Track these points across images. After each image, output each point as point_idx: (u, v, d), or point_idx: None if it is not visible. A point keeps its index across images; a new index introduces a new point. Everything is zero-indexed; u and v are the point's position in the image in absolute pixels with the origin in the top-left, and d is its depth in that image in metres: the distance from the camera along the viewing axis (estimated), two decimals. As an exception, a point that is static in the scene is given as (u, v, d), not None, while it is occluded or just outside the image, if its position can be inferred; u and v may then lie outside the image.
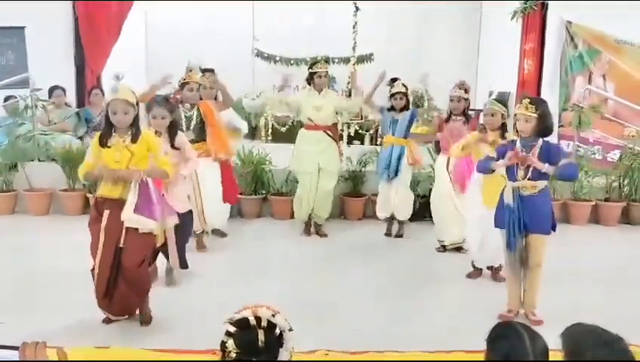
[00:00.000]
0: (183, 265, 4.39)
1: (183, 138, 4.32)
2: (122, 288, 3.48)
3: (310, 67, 5.78)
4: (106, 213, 3.43)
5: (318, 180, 5.72)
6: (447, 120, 5.24)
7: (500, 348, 1.84)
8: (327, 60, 5.85)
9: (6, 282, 4.37)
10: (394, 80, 5.77)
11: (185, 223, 4.31)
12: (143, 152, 3.46)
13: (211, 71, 5.61)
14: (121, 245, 3.42)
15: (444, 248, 5.48)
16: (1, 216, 6.45)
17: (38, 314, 3.75)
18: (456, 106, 5.17)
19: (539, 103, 3.71)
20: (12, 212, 6.59)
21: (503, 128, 4.44)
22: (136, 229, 3.42)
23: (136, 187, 3.40)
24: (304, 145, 5.74)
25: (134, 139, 3.43)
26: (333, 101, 5.83)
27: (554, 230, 3.86)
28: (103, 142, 3.44)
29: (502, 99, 4.50)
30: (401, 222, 5.99)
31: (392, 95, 5.69)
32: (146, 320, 3.67)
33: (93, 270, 3.50)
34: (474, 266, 4.78)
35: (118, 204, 3.41)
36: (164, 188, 3.78)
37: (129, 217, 3.38)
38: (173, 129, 4.20)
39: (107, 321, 3.63)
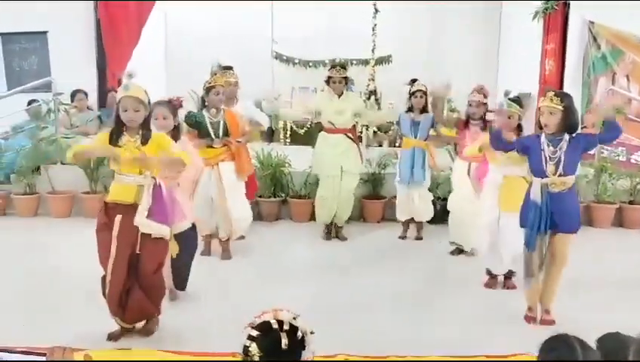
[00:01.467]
0: (182, 285, 4.10)
1: (186, 143, 4.12)
2: (137, 295, 3.38)
3: (329, 70, 5.76)
4: (118, 218, 3.31)
5: (341, 182, 5.70)
6: (466, 124, 5.18)
7: (551, 359, 1.80)
8: (343, 66, 5.73)
9: (28, 284, 4.43)
10: (414, 80, 5.75)
11: (189, 239, 4.05)
12: (155, 154, 3.34)
13: (230, 68, 5.61)
14: (137, 251, 3.33)
15: (458, 251, 5.43)
16: (24, 218, 6.55)
17: (59, 316, 3.78)
18: (474, 111, 5.08)
19: (564, 96, 3.62)
20: (35, 214, 6.69)
21: (519, 128, 4.33)
22: (151, 234, 3.34)
23: (150, 191, 3.33)
24: (325, 148, 5.71)
25: (145, 141, 3.31)
26: (354, 104, 5.79)
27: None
28: (113, 140, 3.30)
29: (517, 99, 4.40)
30: (420, 225, 5.96)
31: (412, 93, 5.66)
32: (148, 329, 3.53)
33: (104, 278, 3.37)
34: (489, 273, 4.63)
35: (132, 209, 3.30)
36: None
37: (142, 222, 3.29)
38: (176, 133, 3.98)
39: (115, 338, 3.44)
